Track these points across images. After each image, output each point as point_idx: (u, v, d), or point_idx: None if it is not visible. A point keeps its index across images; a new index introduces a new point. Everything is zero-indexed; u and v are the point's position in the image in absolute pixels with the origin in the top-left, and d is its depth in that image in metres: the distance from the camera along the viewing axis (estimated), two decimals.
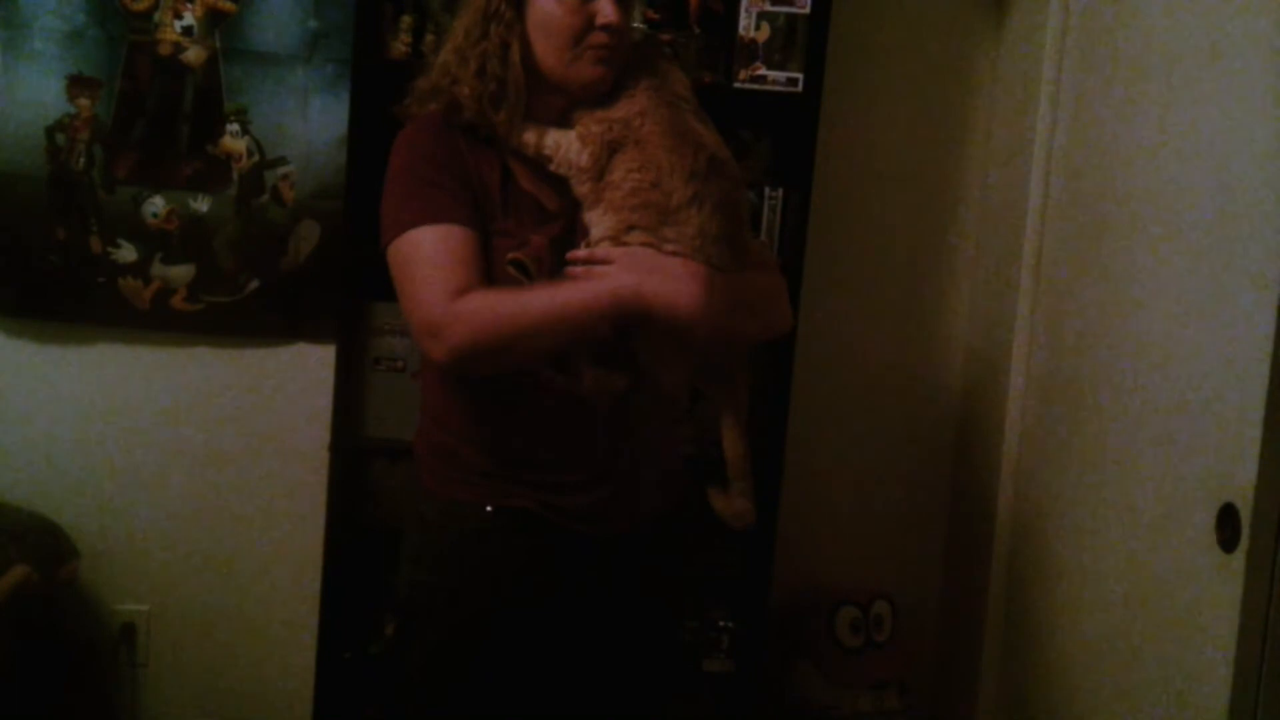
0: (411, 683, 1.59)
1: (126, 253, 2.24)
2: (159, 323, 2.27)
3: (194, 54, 2.22)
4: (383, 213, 1.49)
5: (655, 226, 1.44)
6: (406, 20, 2.10)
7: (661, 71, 1.54)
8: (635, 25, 2.15)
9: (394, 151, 1.52)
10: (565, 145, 1.48)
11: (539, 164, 1.51)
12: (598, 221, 1.46)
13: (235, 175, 2.25)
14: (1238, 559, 1.51)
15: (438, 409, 1.58)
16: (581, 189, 1.48)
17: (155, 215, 2.24)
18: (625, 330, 1.46)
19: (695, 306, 1.39)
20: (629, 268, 1.40)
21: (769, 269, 1.62)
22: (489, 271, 1.45)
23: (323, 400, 2.18)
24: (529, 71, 1.49)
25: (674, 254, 1.43)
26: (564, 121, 1.52)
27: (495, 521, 1.52)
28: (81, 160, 2.21)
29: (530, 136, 1.50)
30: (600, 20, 1.45)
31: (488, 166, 1.50)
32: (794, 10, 2.16)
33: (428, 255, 1.42)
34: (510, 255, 1.45)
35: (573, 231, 1.50)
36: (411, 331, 1.46)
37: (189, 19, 2.21)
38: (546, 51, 1.48)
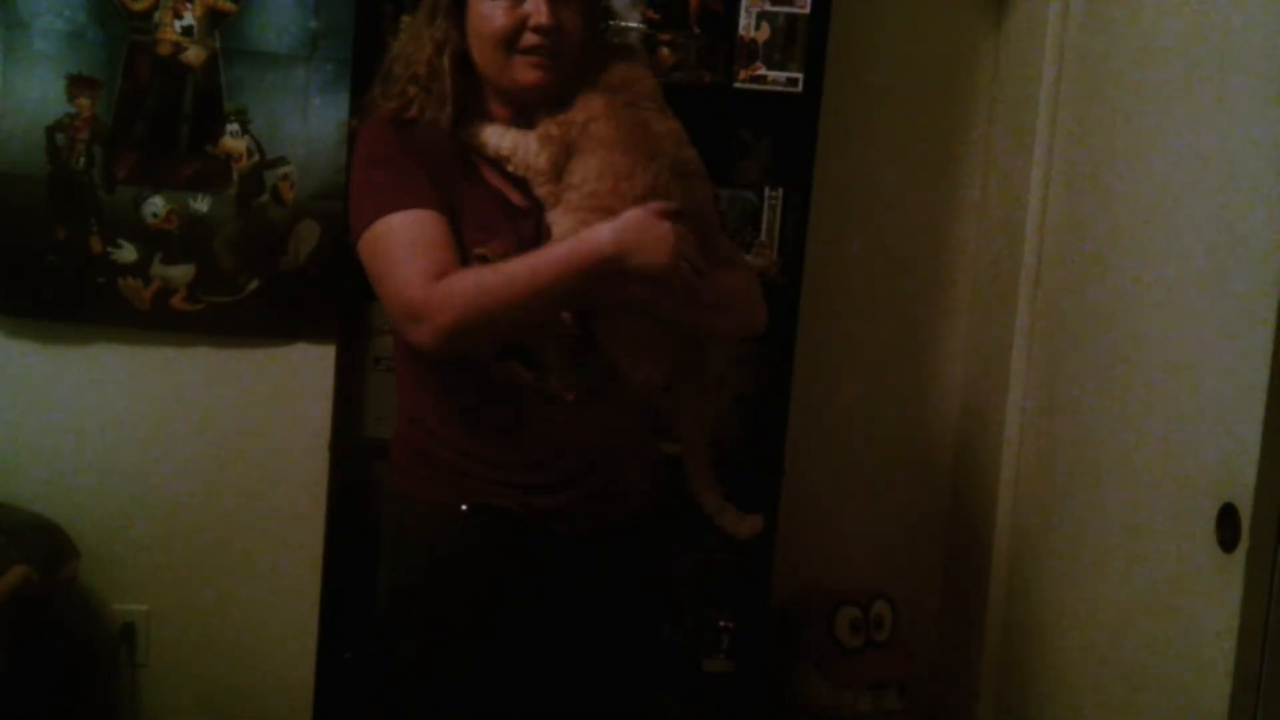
0: (397, 687, 1.59)
1: (126, 253, 2.24)
2: (159, 323, 2.27)
3: (194, 54, 2.22)
4: (350, 207, 1.49)
5: None
6: (406, 20, 2.10)
7: (621, 71, 1.53)
8: (633, 25, 2.15)
9: (356, 148, 1.53)
10: (523, 147, 1.48)
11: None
12: (558, 222, 1.47)
13: (235, 175, 2.25)
14: (1238, 559, 1.51)
15: (412, 409, 1.58)
16: (540, 190, 1.49)
17: (155, 215, 2.24)
18: (594, 327, 1.47)
19: (668, 257, 1.39)
20: (606, 225, 1.40)
21: (740, 267, 1.63)
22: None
23: (323, 400, 2.18)
24: (479, 78, 1.50)
25: None
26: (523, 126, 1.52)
27: (472, 521, 1.52)
28: (81, 160, 2.21)
29: (489, 137, 1.50)
30: (532, 21, 1.43)
31: (451, 160, 1.50)
32: (794, 10, 2.16)
33: (401, 241, 1.41)
34: (476, 251, 1.44)
35: (541, 229, 1.50)
36: (392, 319, 1.45)
37: (189, 19, 2.21)
38: (482, 55, 1.48)
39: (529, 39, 1.44)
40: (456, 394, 1.53)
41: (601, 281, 1.40)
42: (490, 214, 1.49)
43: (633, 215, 1.40)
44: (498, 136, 1.50)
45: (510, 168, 1.49)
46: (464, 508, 1.51)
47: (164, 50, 2.21)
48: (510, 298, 1.38)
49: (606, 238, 1.38)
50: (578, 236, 1.40)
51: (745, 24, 2.16)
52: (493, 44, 1.46)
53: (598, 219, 1.43)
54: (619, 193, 1.45)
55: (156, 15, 2.20)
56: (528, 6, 1.44)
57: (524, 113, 1.51)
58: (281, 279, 2.28)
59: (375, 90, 1.55)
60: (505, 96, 1.51)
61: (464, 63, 1.50)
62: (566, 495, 1.52)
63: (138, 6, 2.20)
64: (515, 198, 1.51)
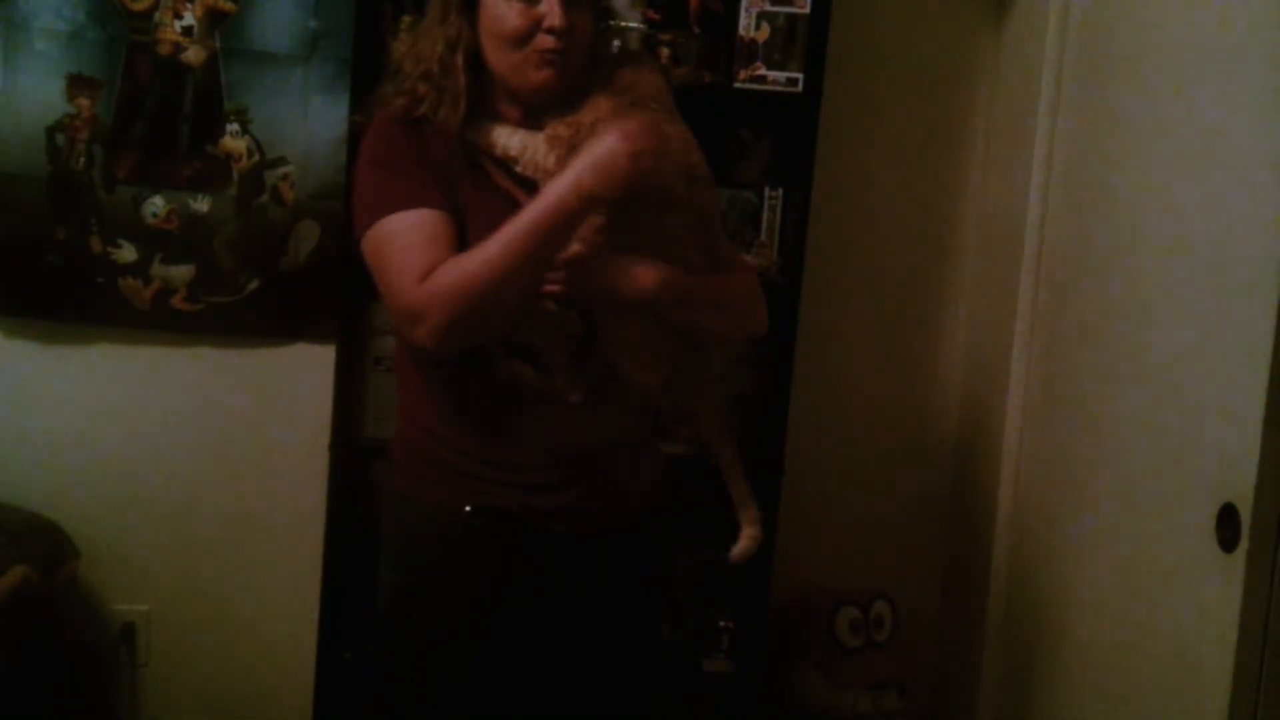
0: (397, 687, 1.59)
1: (126, 253, 2.24)
2: (159, 323, 2.27)
3: (194, 54, 2.22)
4: (354, 206, 1.49)
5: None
6: (406, 20, 2.10)
7: (628, 74, 1.53)
8: (633, 25, 2.15)
9: (361, 148, 1.53)
10: (532, 148, 1.48)
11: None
12: None
13: (235, 175, 2.25)
14: (1238, 559, 1.51)
15: (414, 409, 1.58)
16: None
17: (155, 215, 2.24)
18: (597, 329, 1.47)
19: (629, 162, 1.35)
20: (563, 174, 1.38)
21: (741, 270, 1.63)
22: None
23: (323, 400, 2.18)
24: (489, 77, 1.50)
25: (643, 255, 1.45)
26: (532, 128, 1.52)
27: (474, 521, 1.52)
28: (81, 160, 2.21)
29: (498, 138, 1.50)
30: (546, 23, 1.44)
31: (458, 161, 1.50)
32: (794, 10, 2.16)
33: (400, 241, 1.41)
34: None
35: None
36: (395, 322, 1.45)
37: (189, 19, 2.21)
38: (495, 55, 1.49)
39: (542, 40, 1.45)
40: (458, 394, 1.53)
41: (575, 225, 1.38)
42: (497, 214, 1.48)
43: (583, 153, 1.38)
44: (506, 137, 1.50)
45: (519, 169, 1.49)
46: (467, 509, 1.51)
47: (164, 50, 2.21)
48: (494, 275, 1.36)
49: (565, 184, 1.36)
50: (539, 195, 1.39)
51: (745, 24, 2.16)
52: (506, 44, 1.47)
53: (605, 223, 1.44)
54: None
55: (156, 15, 2.20)
56: (541, 8, 1.44)
57: (532, 114, 1.51)
58: (281, 279, 2.28)
59: (387, 88, 1.54)
60: (516, 96, 1.51)
61: (475, 62, 1.50)
62: (567, 495, 1.52)
63: (138, 6, 2.20)
64: (523, 198, 1.51)
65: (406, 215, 1.42)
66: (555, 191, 1.37)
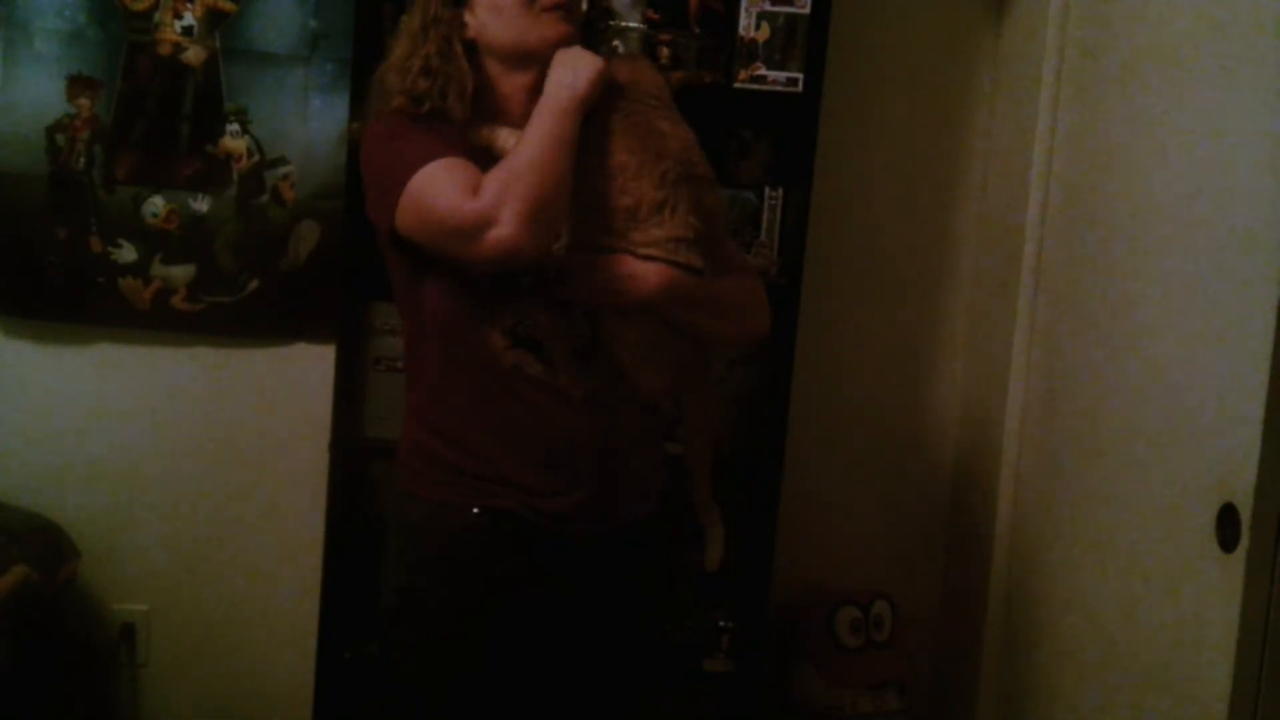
0: (401, 686, 1.59)
1: (126, 253, 2.24)
2: (159, 323, 2.27)
3: (194, 54, 2.22)
4: (380, 190, 1.47)
5: (624, 231, 1.45)
6: (406, 20, 2.10)
7: (625, 72, 1.54)
8: (633, 25, 2.15)
9: (366, 140, 1.53)
10: None
11: None
12: (571, 224, 1.47)
13: (235, 175, 2.25)
14: (1238, 559, 1.51)
15: (420, 410, 1.58)
16: None
17: (155, 215, 2.24)
18: (603, 332, 1.48)
19: (589, 57, 1.47)
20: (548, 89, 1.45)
21: (745, 272, 1.63)
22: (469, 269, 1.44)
23: (323, 400, 2.18)
24: (490, 61, 1.52)
25: (647, 258, 1.45)
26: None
27: (480, 522, 1.52)
28: (81, 160, 2.21)
29: (498, 138, 1.50)
30: None
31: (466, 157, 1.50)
32: (794, 10, 2.16)
33: (438, 182, 1.41)
34: None
35: None
36: (462, 254, 1.41)
37: (189, 19, 2.21)
38: (502, 28, 1.50)
39: None
40: (464, 395, 1.53)
41: (578, 123, 1.44)
42: None
43: (553, 68, 1.47)
44: (505, 138, 1.50)
45: None
46: (474, 510, 1.52)
47: (164, 50, 2.21)
48: (536, 162, 1.39)
49: (551, 87, 1.44)
50: (540, 104, 1.44)
51: (745, 24, 2.16)
52: (513, 9, 1.48)
53: (608, 222, 1.44)
54: (627, 192, 1.45)
55: (156, 15, 2.20)
56: None
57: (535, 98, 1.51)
58: (281, 279, 2.29)
59: (391, 86, 1.53)
60: (528, 61, 1.51)
61: (468, 55, 1.51)
62: (572, 498, 1.52)
63: (138, 6, 2.20)
64: None
65: (434, 163, 1.42)
66: (546, 98, 1.44)
